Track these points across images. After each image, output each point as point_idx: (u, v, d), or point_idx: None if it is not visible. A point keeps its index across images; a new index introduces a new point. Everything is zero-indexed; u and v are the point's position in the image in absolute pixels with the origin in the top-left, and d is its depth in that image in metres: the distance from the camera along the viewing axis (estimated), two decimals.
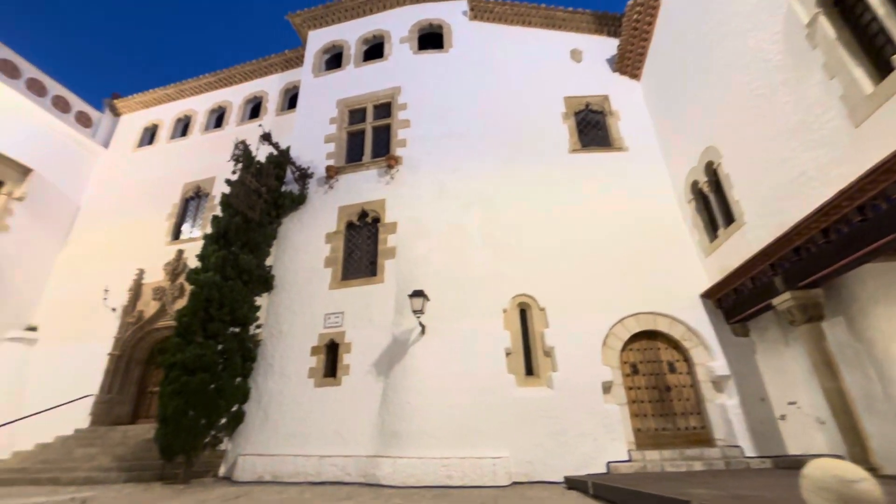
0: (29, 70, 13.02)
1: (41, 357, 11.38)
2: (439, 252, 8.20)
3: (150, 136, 14.77)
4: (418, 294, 7.31)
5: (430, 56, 10.89)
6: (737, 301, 7.06)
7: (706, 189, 7.81)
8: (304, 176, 9.76)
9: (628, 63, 10.23)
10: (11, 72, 12.58)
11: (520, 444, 6.66)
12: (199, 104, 14.53)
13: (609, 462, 6.44)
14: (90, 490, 6.65)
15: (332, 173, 9.61)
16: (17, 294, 11.76)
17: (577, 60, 10.74)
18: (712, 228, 7.78)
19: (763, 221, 6.34)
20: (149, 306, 11.14)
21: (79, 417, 10.00)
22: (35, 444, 9.38)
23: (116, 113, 15.41)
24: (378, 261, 8.53)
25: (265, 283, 8.67)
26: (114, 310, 11.22)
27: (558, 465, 6.48)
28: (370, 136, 10.20)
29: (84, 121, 14.42)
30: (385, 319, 7.92)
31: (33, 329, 11.76)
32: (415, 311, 7.28)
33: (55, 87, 13.68)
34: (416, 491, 5.91)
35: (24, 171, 12.35)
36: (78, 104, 14.31)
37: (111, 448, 8.72)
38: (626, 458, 6.52)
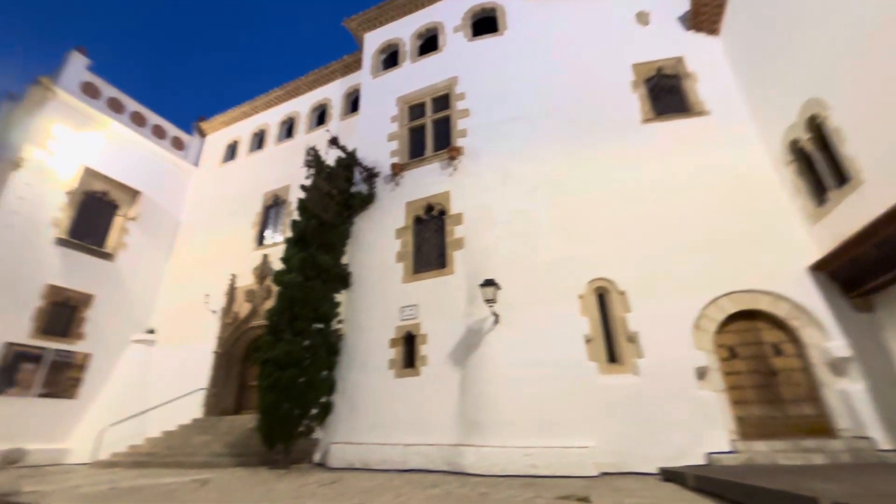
0: (131, 104, 14.76)
1: (159, 356, 12.97)
2: (507, 240, 8.06)
3: (231, 151, 16.12)
4: (489, 283, 7.25)
5: (485, 41, 10.68)
6: (857, 272, 6.13)
7: (809, 147, 6.86)
8: (371, 175, 10.06)
9: (704, 17, 9.26)
10: (118, 108, 14.33)
11: (606, 433, 6.37)
12: (271, 117, 15.57)
13: (709, 453, 5.94)
14: (208, 473, 7.46)
15: (396, 170, 9.82)
16: (137, 302, 13.48)
17: (644, 23, 9.93)
18: (819, 191, 6.82)
19: (888, 178, 5.44)
20: (242, 308, 12.21)
21: (194, 408, 11.26)
22: (161, 432, 10.71)
23: (203, 134, 17.00)
24: (447, 252, 8.58)
25: (343, 280, 9.09)
26: (214, 312, 12.44)
27: (649, 455, 6.10)
28: (431, 129, 10.26)
29: (178, 144, 16.08)
30: (457, 310, 7.96)
31: (152, 332, 13.42)
32: (486, 301, 7.24)
33: (152, 117, 15.38)
34: (501, 480, 5.89)
35: (134, 195, 14.06)
36: (172, 130, 15.98)
37: (222, 436, 9.70)
38: (729, 448, 5.98)
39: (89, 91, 13.57)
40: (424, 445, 7.14)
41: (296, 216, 9.77)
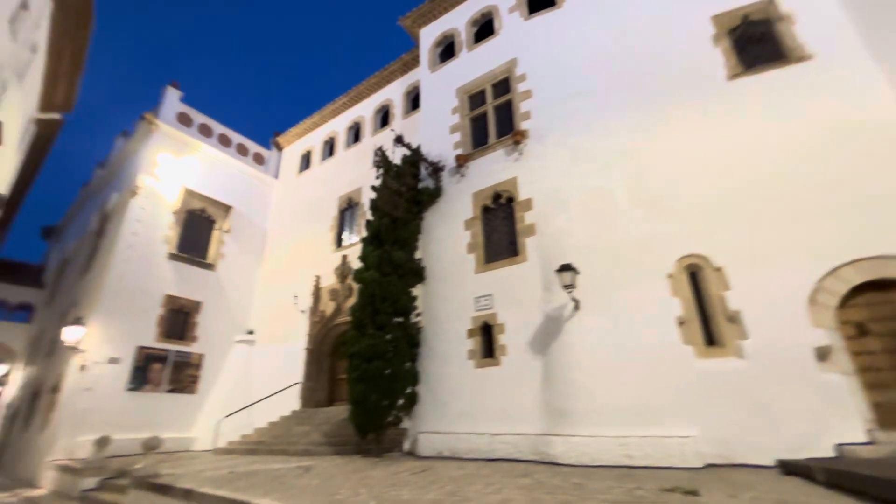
0: (217, 128, 16.26)
1: (259, 354, 14.25)
2: (582, 221, 7.69)
3: (306, 161, 17.16)
4: (566, 268, 6.98)
5: (543, 17, 10.23)
6: None
7: None
8: (436, 170, 10.15)
9: None
10: (207, 132, 15.87)
11: (709, 421, 5.85)
12: (339, 124, 16.31)
13: (840, 444, 5.21)
14: (309, 460, 8.04)
15: (461, 162, 9.79)
16: (237, 306, 14.91)
17: None
18: None
19: None
20: (328, 306, 12.99)
21: (292, 401, 12.23)
22: (267, 423, 11.76)
23: (279, 148, 18.28)
24: (518, 240, 8.40)
25: (417, 274, 9.29)
26: (303, 312, 13.37)
27: (763, 446, 5.50)
28: (492, 116, 10.08)
29: (259, 160, 17.46)
30: (534, 298, 7.77)
31: (251, 333, 14.77)
32: (564, 287, 6.98)
33: (236, 137, 16.83)
34: (594, 470, 5.66)
35: (227, 209, 15.52)
36: (253, 147, 17.38)
37: (318, 426, 10.41)
38: (866, 439, 5.20)
39: (183, 120, 15.17)
40: (511, 435, 7.09)
41: (369, 216, 10.15)
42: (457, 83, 11.01)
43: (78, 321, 11.98)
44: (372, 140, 14.43)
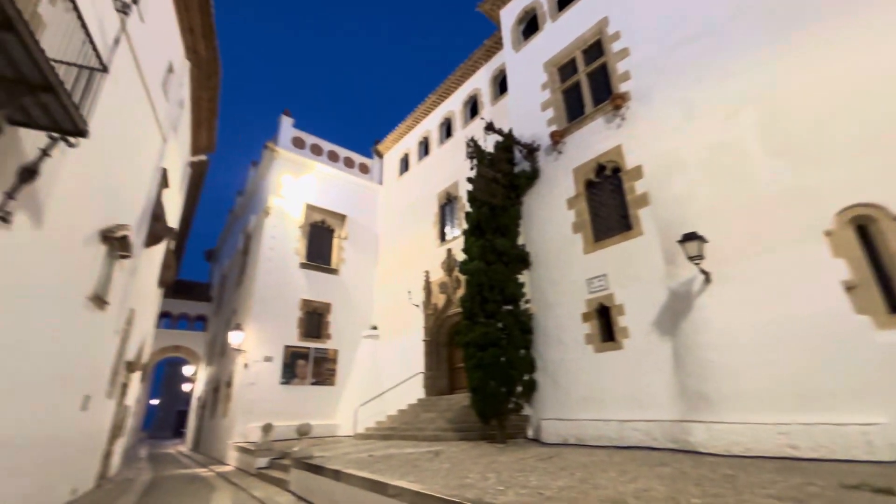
0: (326, 146, 17.87)
1: (384, 347, 15.40)
2: (707, 182, 6.77)
3: (405, 164, 17.98)
4: (690, 238, 6.23)
5: None
6: None
7: None
8: (531, 151, 9.84)
9: None
10: (318, 151, 17.54)
11: None
12: (431, 123, 16.75)
13: None
14: (438, 445, 8.45)
15: (556, 138, 9.34)
16: (360, 304, 16.29)
17: None
18: None
19: None
20: (439, 299, 13.49)
21: (417, 390, 13.00)
22: (397, 410, 12.67)
23: (380, 155, 19.42)
24: (630, 213, 7.74)
25: (522, 260, 9.14)
26: (417, 306, 14.09)
27: None
28: (586, 84, 9.41)
29: (363, 169, 18.78)
30: (654, 273, 7.11)
31: (375, 328, 16.03)
32: (691, 258, 6.23)
33: (342, 152, 18.31)
34: (747, 461, 4.99)
35: (343, 218, 17.01)
36: (357, 158, 18.74)
37: (443, 413, 10.89)
38: None
39: (297, 143, 16.97)
40: (642, 422, 6.61)
41: (468, 208, 10.25)
42: (543, 57, 10.50)
43: (238, 327, 14.24)
44: (463, 132, 14.55)
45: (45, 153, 4.21)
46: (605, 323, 7.75)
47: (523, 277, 9.14)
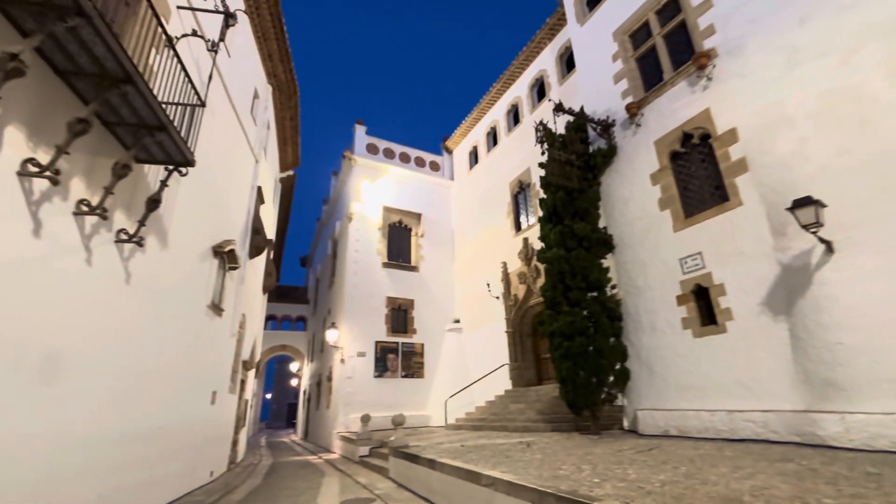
0: (397, 148, 18.47)
1: (468, 340, 15.61)
2: (818, 138, 5.86)
3: (474, 157, 17.97)
4: (804, 203, 5.44)
5: None
6: None
7: None
8: (606, 127, 9.27)
9: None
10: (390, 155, 18.19)
11: None
12: (497, 112, 16.52)
13: None
14: (529, 436, 8.39)
15: (633, 110, 8.69)
16: (441, 299, 16.66)
17: None
18: None
19: None
20: (518, 289, 13.33)
21: (503, 381, 13.00)
22: (485, 401, 12.80)
23: (449, 151, 19.61)
24: (725, 182, 6.97)
25: (605, 244, 8.67)
26: (497, 298, 14.06)
27: None
28: (663, 48, 8.62)
29: (434, 167, 19.11)
30: (760, 247, 6.33)
31: (458, 322, 16.30)
32: (805, 227, 5.45)
33: (413, 153, 18.80)
34: (894, 457, 4.27)
35: (418, 217, 17.50)
36: (428, 157, 19.12)
37: (532, 404, 10.78)
38: None
39: (371, 149, 17.75)
40: (757, 412, 5.95)
41: (542, 194, 9.96)
42: (612, 26, 9.80)
43: (333, 325, 15.34)
44: (531, 118, 14.14)
45: (164, 184, 4.88)
46: (704, 305, 7.09)
47: (607, 262, 8.68)
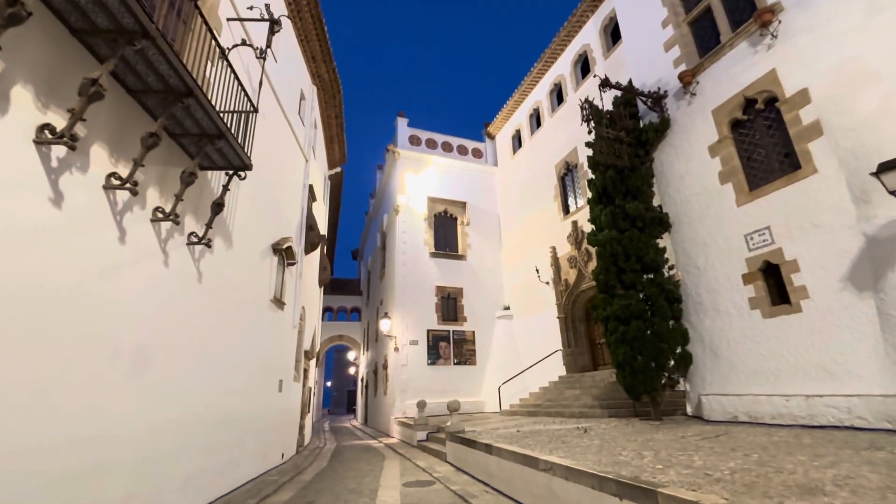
0: (439, 138, 18.49)
1: (519, 327, 15.52)
2: None
3: (517, 141, 17.63)
4: (892, 166, 4.88)
5: None
6: None
7: None
8: (657, 100, 8.76)
9: None
10: (432, 145, 18.25)
11: None
12: (540, 92, 16.06)
13: None
14: (585, 422, 8.27)
15: (687, 79, 8.13)
16: (490, 287, 16.64)
17: None
18: None
19: None
20: (569, 274, 13.03)
21: (557, 367, 12.84)
22: (539, 388, 12.73)
23: (491, 137, 19.36)
24: (796, 148, 6.39)
25: (660, 223, 8.26)
26: (547, 283, 13.83)
27: None
28: (719, 7, 7.96)
29: (477, 154, 18.96)
30: (840, 218, 5.77)
31: (507, 308, 16.24)
32: (894, 192, 4.90)
33: (455, 141, 18.75)
34: None
35: (463, 205, 17.49)
36: (470, 145, 19.00)
37: (588, 389, 10.59)
38: None
39: (414, 141, 17.90)
40: (840, 397, 5.50)
41: (590, 175, 9.63)
42: None
43: (386, 315, 15.81)
44: (576, 96, 13.62)
45: (225, 188, 5.22)
46: (775, 283, 6.60)
47: (663, 242, 8.28)
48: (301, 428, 11.12)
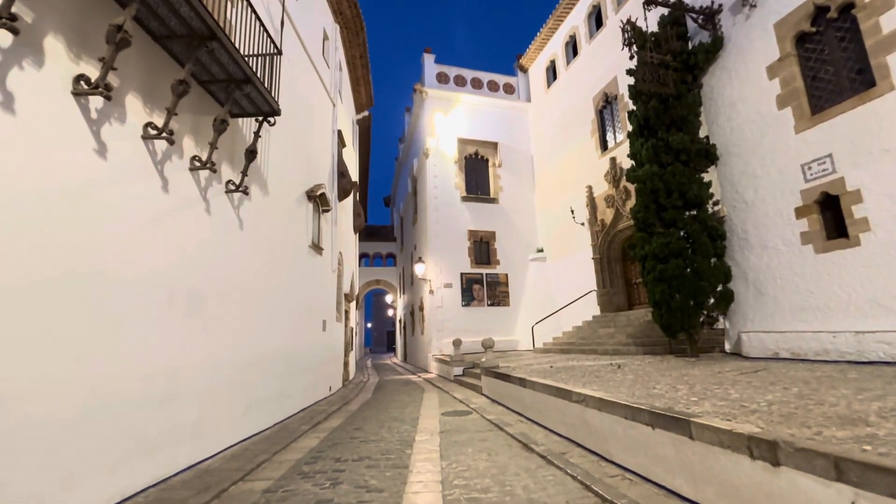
0: (468, 74, 17.61)
1: (552, 268, 15.49)
2: None
3: (552, 73, 16.54)
4: None
5: None
6: None
7: None
8: (709, 16, 7.87)
9: None
10: (461, 82, 17.44)
11: None
12: (576, 17, 14.75)
13: None
14: (619, 359, 8.38)
15: None
16: (523, 229, 16.48)
17: None
18: None
19: None
20: (606, 214, 12.66)
21: (591, 307, 12.87)
22: (572, 327, 12.88)
23: (524, 70, 18.23)
24: (872, 63, 5.66)
25: (706, 156, 7.73)
26: (582, 224, 13.53)
27: None
28: None
29: (509, 90, 18.01)
30: None
31: (541, 251, 16.14)
32: None
33: (485, 76, 17.81)
34: None
35: (494, 146, 16.96)
36: (501, 80, 18.02)
37: (622, 328, 10.62)
38: None
39: (441, 79, 17.15)
40: (893, 332, 5.26)
41: (631, 106, 9.00)
42: None
43: (420, 260, 16.10)
44: (617, 18, 12.41)
45: (257, 135, 5.25)
46: (832, 216, 6.15)
47: (708, 176, 7.80)
48: (345, 364, 11.90)
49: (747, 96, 7.27)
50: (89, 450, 2.99)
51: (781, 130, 6.73)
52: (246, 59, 4.44)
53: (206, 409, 4.46)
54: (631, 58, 8.07)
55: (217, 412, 4.67)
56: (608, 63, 12.68)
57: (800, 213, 6.46)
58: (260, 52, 5.08)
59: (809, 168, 6.33)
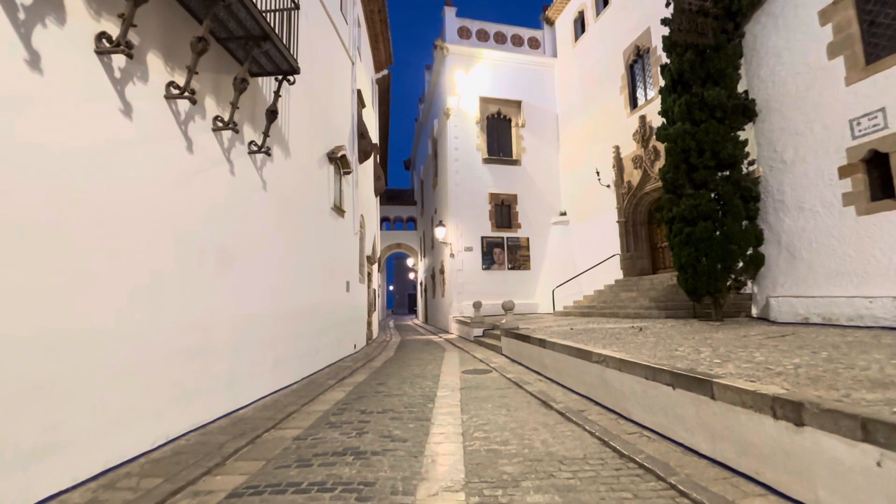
0: (491, 28, 16.83)
1: (575, 231, 15.27)
2: None
3: (580, 25, 15.64)
4: None
5: None
6: None
7: None
8: None
9: None
10: (483, 37, 16.71)
11: None
12: None
13: None
14: (641, 322, 8.34)
15: None
16: (546, 192, 16.17)
17: None
18: None
19: None
20: (633, 176, 12.25)
21: (613, 271, 12.73)
22: (594, 290, 12.82)
23: (551, 23, 17.28)
24: None
25: (743, 112, 7.29)
26: (608, 186, 13.17)
27: None
28: None
29: (534, 44, 17.19)
30: None
31: (564, 214, 15.87)
32: None
33: (509, 30, 17.00)
34: None
35: (518, 105, 16.40)
36: (526, 34, 17.17)
37: (645, 292, 10.51)
38: None
39: (463, 34, 16.45)
40: None
41: (664, 60, 8.47)
42: None
43: (440, 223, 16.09)
44: None
45: (277, 94, 5.20)
46: (878, 176, 5.78)
47: (744, 134, 7.38)
48: (369, 324, 12.26)
49: (794, 45, 6.73)
50: (135, 395, 3.21)
51: (830, 83, 6.25)
52: (263, 13, 4.33)
53: (238, 362, 4.69)
54: (667, 5, 7.53)
55: (248, 365, 4.91)
56: (641, 13, 11.87)
57: (843, 172, 6.09)
58: (277, 6, 4.94)
59: (858, 123, 5.90)
